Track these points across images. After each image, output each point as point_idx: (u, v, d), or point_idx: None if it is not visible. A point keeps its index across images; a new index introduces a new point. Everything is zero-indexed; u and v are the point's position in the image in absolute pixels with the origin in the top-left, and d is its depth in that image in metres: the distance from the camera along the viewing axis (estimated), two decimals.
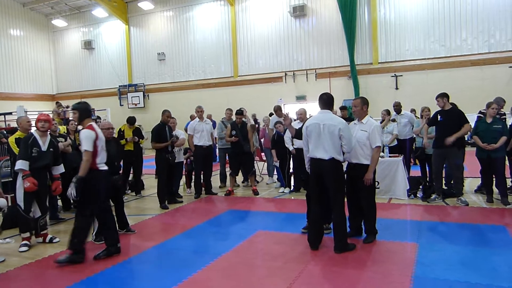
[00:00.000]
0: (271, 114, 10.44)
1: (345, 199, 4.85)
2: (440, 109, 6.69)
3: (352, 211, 5.11)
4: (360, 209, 5.02)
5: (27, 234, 5.31)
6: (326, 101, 4.77)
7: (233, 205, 7.49)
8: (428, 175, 7.67)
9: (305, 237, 4.92)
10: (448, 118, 6.52)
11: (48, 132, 5.59)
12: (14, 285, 4.06)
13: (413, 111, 11.18)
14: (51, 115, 17.05)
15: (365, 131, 4.85)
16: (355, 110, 5.05)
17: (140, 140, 8.65)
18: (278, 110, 8.88)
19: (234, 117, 8.55)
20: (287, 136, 7.77)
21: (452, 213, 6.27)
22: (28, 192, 5.06)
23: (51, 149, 5.39)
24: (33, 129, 5.53)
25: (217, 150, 10.33)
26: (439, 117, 6.64)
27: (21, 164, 5.05)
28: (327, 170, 4.58)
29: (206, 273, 4.18)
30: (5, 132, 10.97)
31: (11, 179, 6.22)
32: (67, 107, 18.42)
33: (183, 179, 8.78)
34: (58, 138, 6.87)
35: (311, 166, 4.77)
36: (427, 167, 7.73)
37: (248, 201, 7.82)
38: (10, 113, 12.46)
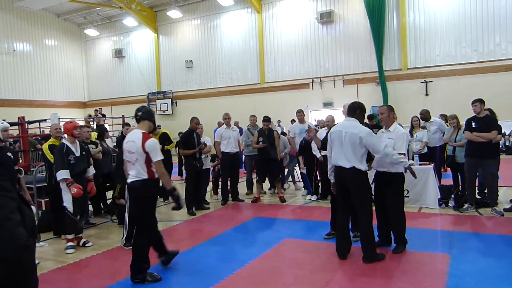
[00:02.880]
0: (293, 121, 10.38)
1: (373, 208, 4.77)
2: (474, 115, 6.49)
3: (381, 220, 5.01)
4: (388, 218, 4.92)
5: (72, 236, 5.47)
6: (351, 108, 4.73)
7: (259, 212, 7.49)
8: (460, 184, 7.45)
9: (332, 245, 4.86)
10: (483, 125, 6.32)
11: (81, 139, 5.80)
12: (50, 287, 4.19)
13: (442, 116, 10.87)
14: (81, 123, 17.56)
15: (392, 139, 4.78)
16: (381, 118, 4.98)
17: (165, 146, 8.57)
18: (298, 112, 8.76)
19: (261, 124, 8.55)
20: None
21: (486, 223, 6.06)
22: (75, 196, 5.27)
23: (83, 153, 5.62)
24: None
25: (243, 157, 10.37)
26: (473, 123, 6.43)
27: (63, 174, 5.24)
28: (349, 179, 4.54)
29: (232, 281, 4.19)
30: (39, 138, 11.37)
31: (46, 184, 6.46)
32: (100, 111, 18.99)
33: (210, 185, 8.85)
34: (89, 145, 7.09)
35: (335, 174, 4.74)
36: (459, 176, 7.50)
37: (274, 208, 7.80)
38: (45, 120, 12.86)
